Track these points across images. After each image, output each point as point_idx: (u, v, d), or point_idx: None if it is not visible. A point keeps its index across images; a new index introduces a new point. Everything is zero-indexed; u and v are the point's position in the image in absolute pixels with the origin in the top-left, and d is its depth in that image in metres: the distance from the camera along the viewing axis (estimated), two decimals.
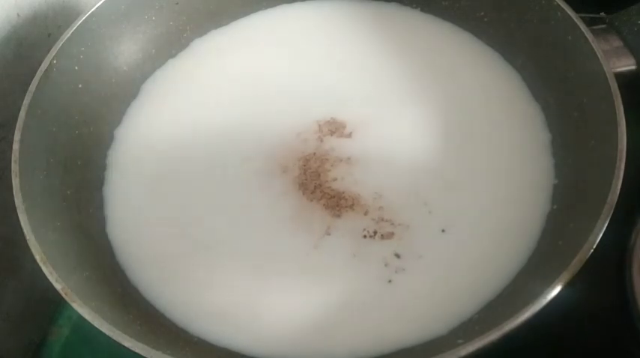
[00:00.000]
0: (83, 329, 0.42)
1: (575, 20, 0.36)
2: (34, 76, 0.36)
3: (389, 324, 0.32)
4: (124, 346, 0.27)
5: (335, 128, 0.40)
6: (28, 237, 0.30)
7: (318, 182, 0.37)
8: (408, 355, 0.31)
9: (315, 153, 0.39)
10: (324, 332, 0.32)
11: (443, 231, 0.35)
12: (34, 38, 0.41)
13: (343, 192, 0.37)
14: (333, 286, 0.34)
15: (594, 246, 0.28)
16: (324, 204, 0.36)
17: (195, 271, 0.35)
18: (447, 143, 0.39)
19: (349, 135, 0.39)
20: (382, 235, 0.35)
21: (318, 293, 0.34)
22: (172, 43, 0.45)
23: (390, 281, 0.34)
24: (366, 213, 0.36)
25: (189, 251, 0.36)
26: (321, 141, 0.39)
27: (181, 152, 0.40)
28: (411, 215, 0.36)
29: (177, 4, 0.45)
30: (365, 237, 0.35)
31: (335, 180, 0.37)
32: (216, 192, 0.38)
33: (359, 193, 0.37)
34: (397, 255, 0.34)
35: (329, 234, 0.35)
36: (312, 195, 0.37)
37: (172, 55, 0.45)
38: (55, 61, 0.37)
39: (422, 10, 0.46)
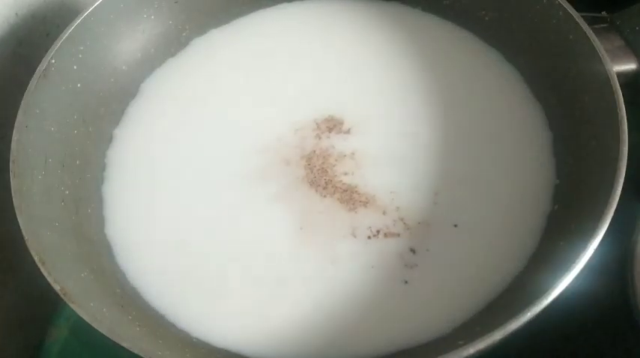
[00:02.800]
0: (82, 330, 0.41)
1: (577, 19, 0.36)
2: (32, 76, 0.36)
3: (396, 325, 0.32)
4: (122, 347, 0.27)
5: (333, 124, 0.40)
6: (26, 238, 0.30)
7: (328, 177, 0.37)
8: (410, 355, 0.31)
9: (315, 151, 0.38)
10: (329, 335, 0.32)
11: (455, 225, 0.35)
12: (32, 38, 0.41)
13: (356, 186, 0.37)
14: (351, 293, 0.33)
15: (595, 246, 0.28)
16: (338, 198, 0.36)
17: (196, 272, 0.35)
18: (448, 142, 0.38)
19: (348, 131, 0.39)
20: (398, 234, 0.35)
21: (332, 300, 0.33)
22: (172, 42, 0.45)
23: (406, 282, 0.33)
24: (384, 213, 0.36)
25: (189, 251, 0.36)
26: (320, 138, 0.39)
27: (181, 152, 0.40)
28: (425, 213, 0.36)
29: (176, 2, 0.45)
30: (379, 236, 0.35)
31: (345, 174, 0.37)
32: (216, 192, 0.38)
33: (374, 194, 0.36)
34: (413, 250, 0.34)
35: (355, 236, 0.35)
36: (324, 190, 0.37)
37: (172, 54, 0.45)
38: (53, 61, 0.37)
39: (422, 9, 0.45)
